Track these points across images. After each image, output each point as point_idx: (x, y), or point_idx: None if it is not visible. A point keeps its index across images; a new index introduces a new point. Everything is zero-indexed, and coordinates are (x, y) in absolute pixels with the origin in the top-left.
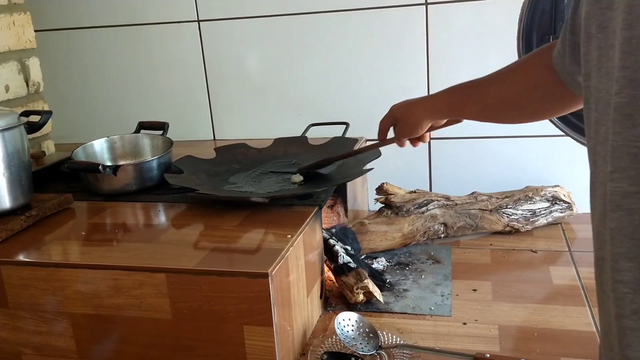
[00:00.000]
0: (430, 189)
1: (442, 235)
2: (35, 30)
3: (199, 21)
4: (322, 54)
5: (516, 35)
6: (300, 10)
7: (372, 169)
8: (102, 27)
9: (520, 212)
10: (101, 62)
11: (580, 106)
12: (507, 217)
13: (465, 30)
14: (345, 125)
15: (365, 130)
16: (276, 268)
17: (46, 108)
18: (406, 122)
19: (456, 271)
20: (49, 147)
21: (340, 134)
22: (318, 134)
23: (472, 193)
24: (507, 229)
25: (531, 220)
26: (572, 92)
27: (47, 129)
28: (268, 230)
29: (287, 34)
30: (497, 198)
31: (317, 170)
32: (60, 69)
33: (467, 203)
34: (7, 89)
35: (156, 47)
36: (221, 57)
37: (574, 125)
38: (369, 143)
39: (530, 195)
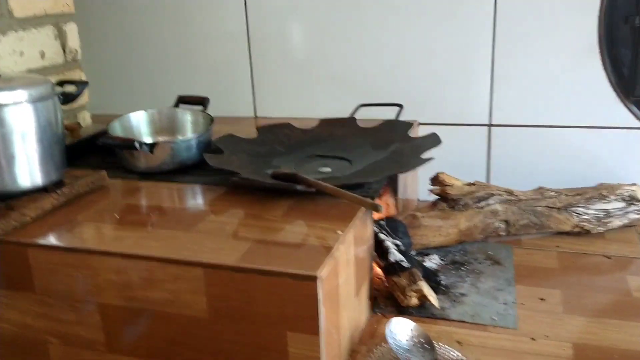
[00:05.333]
0: (488, 181)
1: (503, 234)
2: None
3: None
4: (373, 28)
5: (597, 14)
6: None
7: (432, 159)
8: None
9: (592, 211)
10: (141, 31)
11: None
12: (577, 216)
13: (538, 6)
14: (398, 108)
15: (419, 113)
16: (325, 269)
17: (83, 77)
18: None
19: (519, 275)
20: (84, 118)
21: (392, 117)
22: (368, 115)
23: (538, 188)
24: (576, 229)
25: (603, 221)
26: None
27: (83, 99)
28: (315, 223)
29: (337, 5)
30: (567, 195)
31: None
32: (99, 36)
33: (532, 199)
34: (42, 55)
35: (199, 17)
36: (266, 29)
37: None
38: (421, 129)
39: (604, 194)
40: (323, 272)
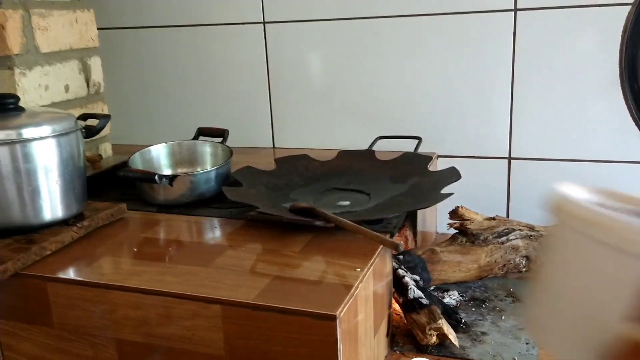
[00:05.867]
0: (508, 215)
1: (524, 269)
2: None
3: (264, 23)
4: (392, 60)
5: (619, 48)
6: (371, 14)
7: (452, 194)
8: (165, 27)
9: None
10: (162, 63)
11: None
12: None
13: (558, 40)
14: (417, 140)
15: (438, 145)
16: (345, 309)
17: (105, 109)
18: None
19: None
20: (106, 149)
21: (411, 149)
22: (386, 148)
23: None
24: None
25: None
26: None
27: (105, 131)
28: (334, 259)
29: (357, 38)
30: None
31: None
32: (120, 68)
33: None
34: (67, 88)
35: (219, 49)
36: (285, 61)
37: None
38: (440, 161)
39: None
40: (343, 312)
